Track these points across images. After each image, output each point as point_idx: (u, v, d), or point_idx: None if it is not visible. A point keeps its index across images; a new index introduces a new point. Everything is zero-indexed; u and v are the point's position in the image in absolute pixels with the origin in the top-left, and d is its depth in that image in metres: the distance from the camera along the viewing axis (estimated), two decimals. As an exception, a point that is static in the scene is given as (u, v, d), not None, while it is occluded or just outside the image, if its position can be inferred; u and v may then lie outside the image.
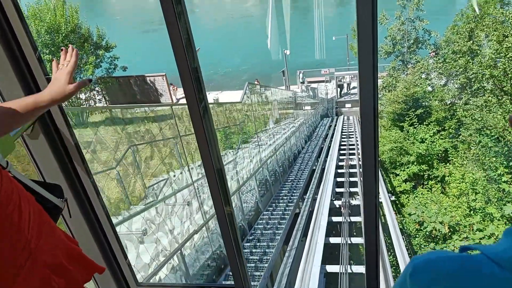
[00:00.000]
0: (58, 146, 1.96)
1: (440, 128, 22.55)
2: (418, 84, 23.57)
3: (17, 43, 1.76)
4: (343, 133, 24.35)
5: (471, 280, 0.62)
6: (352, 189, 14.49)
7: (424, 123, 22.03)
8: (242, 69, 40.53)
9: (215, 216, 2.02)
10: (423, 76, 25.36)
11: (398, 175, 21.74)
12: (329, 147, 20.64)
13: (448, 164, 21.26)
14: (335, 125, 27.24)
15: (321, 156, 19.02)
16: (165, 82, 30.29)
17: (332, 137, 22.94)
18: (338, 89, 34.60)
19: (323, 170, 16.86)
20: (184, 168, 8.81)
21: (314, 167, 17.76)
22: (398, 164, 21.93)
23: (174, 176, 8.83)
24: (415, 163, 21.14)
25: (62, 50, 1.50)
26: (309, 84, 35.64)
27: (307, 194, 14.39)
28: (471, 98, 22.01)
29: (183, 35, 1.59)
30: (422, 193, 18.94)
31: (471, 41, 20.74)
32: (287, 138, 17.70)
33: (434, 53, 27.62)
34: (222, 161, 1.93)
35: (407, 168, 21.43)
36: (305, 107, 32.52)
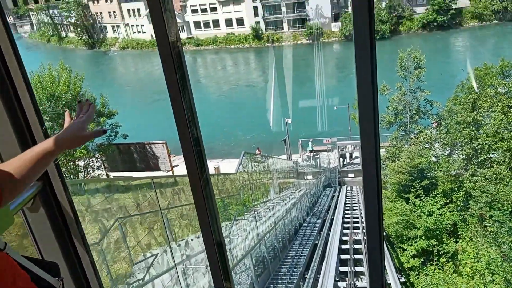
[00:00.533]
0: (58, 220, 1.94)
1: (447, 201, 21.55)
2: (422, 154, 22.91)
3: (24, 117, 1.78)
4: (347, 205, 23.31)
5: None
6: (357, 269, 13.29)
7: (431, 195, 21.07)
8: (244, 137, 40.40)
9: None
10: (427, 146, 24.80)
11: (406, 250, 20.44)
12: (332, 220, 19.57)
13: (458, 238, 20.16)
14: (338, 196, 26.24)
15: (323, 230, 17.90)
16: (165, 149, 29.84)
17: (335, 208, 21.88)
18: (341, 159, 34.01)
19: (325, 245, 15.74)
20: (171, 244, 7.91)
21: (316, 242, 16.62)
22: (405, 238, 20.70)
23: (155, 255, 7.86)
24: (423, 238, 19.92)
25: (79, 102, 1.52)
26: (317, 154, 35.15)
27: (309, 273, 13.19)
28: (477, 170, 21.29)
29: (187, 109, 1.63)
30: (433, 271, 17.58)
31: (475, 112, 20.36)
32: (287, 210, 16.75)
33: (436, 123, 27.31)
34: (222, 234, 1.91)
35: (415, 242, 20.17)
36: (307, 176, 31.80)
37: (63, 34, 79.77)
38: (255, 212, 12.96)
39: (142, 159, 30.70)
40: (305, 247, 15.52)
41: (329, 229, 17.81)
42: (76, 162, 26.15)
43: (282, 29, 67.01)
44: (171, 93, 1.62)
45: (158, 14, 1.71)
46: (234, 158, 32.41)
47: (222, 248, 1.91)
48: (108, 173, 31.15)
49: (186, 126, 1.64)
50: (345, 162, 34.32)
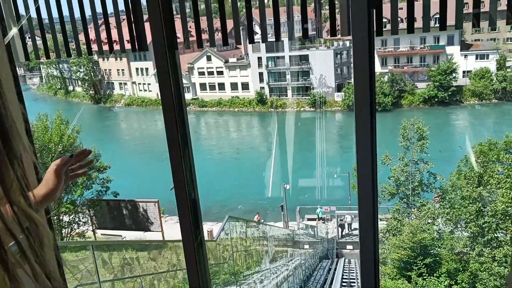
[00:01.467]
0: None
1: (452, 282, 19.92)
2: (426, 229, 21.56)
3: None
4: (344, 280, 21.60)
5: None
6: None
7: (435, 274, 19.48)
8: (242, 201, 39.22)
9: None
10: (429, 221, 23.49)
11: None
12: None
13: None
14: (335, 269, 24.50)
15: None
16: (157, 209, 28.50)
17: (331, 284, 20.18)
18: (339, 229, 32.48)
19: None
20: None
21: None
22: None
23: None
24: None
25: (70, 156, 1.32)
26: (327, 221, 33.68)
27: None
28: (484, 249, 19.88)
29: (186, 170, 1.67)
30: None
31: (482, 187, 19.31)
32: (278, 285, 15.20)
33: (439, 197, 26.14)
34: None
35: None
36: (304, 246, 30.17)
37: (71, 88, 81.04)
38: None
39: (132, 217, 29.28)
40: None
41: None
42: (61, 217, 24.85)
43: (286, 95, 67.80)
44: (171, 152, 1.63)
45: (165, 75, 1.83)
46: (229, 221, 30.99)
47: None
48: (95, 230, 29.71)
49: (184, 188, 1.63)
50: (343, 233, 32.74)
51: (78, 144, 24.26)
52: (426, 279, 19.42)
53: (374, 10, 1.92)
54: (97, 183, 26.02)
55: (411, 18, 2.25)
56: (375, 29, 1.95)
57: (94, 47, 3.34)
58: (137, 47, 2.51)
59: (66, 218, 25.92)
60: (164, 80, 1.79)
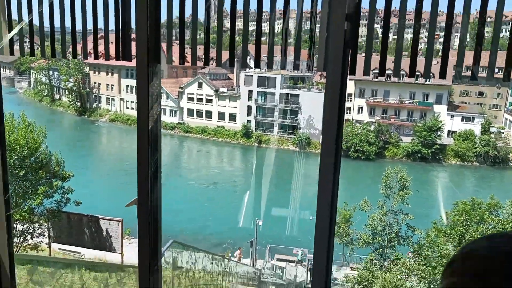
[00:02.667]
0: None
1: None
2: (399, 285, 20.10)
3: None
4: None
5: None
6: None
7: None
8: (213, 232, 37.54)
9: None
10: (403, 277, 22.03)
11: None
12: None
13: None
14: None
15: None
16: (119, 228, 26.58)
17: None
18: (309, 273, 30.74)
19: None
20: None
21: None
22: None
23: None
24: None
25: None
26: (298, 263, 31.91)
27: None
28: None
29: (153, 206, 1.67)
30: None
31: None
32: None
33: (412, 254, 24.79)
34: None
35: None
36: (270, 287, 28.39)
37: (57, 96, 79.21)
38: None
39: (92, 234, 27.26)
40: None
41: None
42: (14, 225, 22.79)
43: (272, 132, 66.98)
44: (140, 168, 1.58)
45: (144, 96, 1.81)
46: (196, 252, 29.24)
47: None
48: (51, 243, 27.59)
49: (147, 211, 1.55)
50: (312, 278, 31.02)
51: (44, 149, 22.53)
52: None
53: (350, 50, 1.98)
54: (59, 192, 24.15)
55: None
56: (349, 68, 1.99)
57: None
58: (121, 56, 2.47)
59: (19, 227, 23.86)
60: (142, 90, 1.76)
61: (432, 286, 21.78)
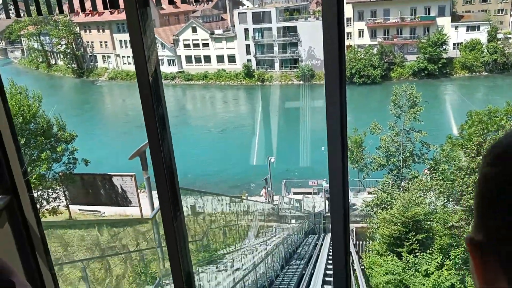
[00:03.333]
0: (23, 238, 1.81)
1: (444, 258, 18.16)
2: (418, 203, 19.70)
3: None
4: (330, 257, 19.79)
5: None
6: None
7: (428, 251, 17.71)
8: (226, 175, 37.45)
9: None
10: (422, 194, 21.63)
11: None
12: (311, 276, 16.03)
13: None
14: (321, 245, 22.69)
15: (299, 290, 14.35)
16: (133, 183, 26.38)
17: (316, 261, 18.33)
18: (327, 202, 30.69)
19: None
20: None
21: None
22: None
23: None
24: (419, 302, 16.42)
25: None
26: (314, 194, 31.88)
27: None
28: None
29: (164, 147, 1.60)
30: None
31: (481, 157, 17.37)
32: (255, 264, 13.27)
33: (428, 171, 24.25)
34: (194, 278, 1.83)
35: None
36: (291, 220, 28.46)
37: (53, 61, 77.26)
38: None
39: (107, 192, 27.15)
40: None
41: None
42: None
43: (274, 68, 65.11)
44: (148, 128, 1.56)
45: (139, 48, 1.73)
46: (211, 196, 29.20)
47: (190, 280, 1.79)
48: (69, 205, 27.68)
49: (162, 163, 1.56)
50: (330, 206, 31.00)
51: (41, 114, 21.75)
52: (418, 256, 17.66)
53: None
54: (66, 155, 23.73)
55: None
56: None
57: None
58: (108, 4, 2.24)
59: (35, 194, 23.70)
60: (136, 36, 1.68)
61: (450, 199, 21.44)
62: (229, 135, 48.15)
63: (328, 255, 20.02)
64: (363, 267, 20.17)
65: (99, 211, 29.93)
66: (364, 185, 29.44)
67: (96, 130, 48.33)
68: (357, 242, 23.65)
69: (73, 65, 72.42)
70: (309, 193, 32.48)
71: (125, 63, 69.71)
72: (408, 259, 17.68)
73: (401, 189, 23.24)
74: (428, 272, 16.69)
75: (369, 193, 28.97)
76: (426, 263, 17.29)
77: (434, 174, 21.81)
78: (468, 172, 17.93)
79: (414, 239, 18.17)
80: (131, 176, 26.45)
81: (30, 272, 1.89)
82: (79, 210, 29.83)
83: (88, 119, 52.50)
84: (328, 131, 1.52)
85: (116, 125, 52.18)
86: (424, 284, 16.12)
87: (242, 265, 14.26)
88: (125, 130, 47.58)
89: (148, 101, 1.66)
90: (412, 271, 17.16)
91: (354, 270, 13.25)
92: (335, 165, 1.55)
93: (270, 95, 59.37)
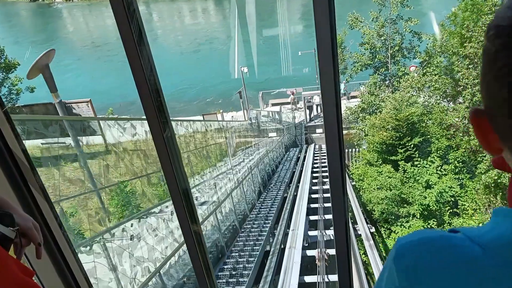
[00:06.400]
0: (11, 170, 1.48)
1: (441, 162, 15.27)
2: (412, 103, 16.34)
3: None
4: (315, 171, 16.79)
5: (452, 261, 0.55)
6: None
7: (429, 158, 14.73)
8: (206, 90, 33.77)
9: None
10: (414, 93, 18.18)
11: (394, 232, 14.32)
12: (294, 199, 13.08)
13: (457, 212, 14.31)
14: (304, 158, 19.64)
15: (280, 222, 11.35)
16: (90, 109, 22.38)
17: (299, 180, 15.29)
18: (307, 111, 27.32)
19: (283, 252, 9.30)
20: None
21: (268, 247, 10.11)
22: (393, 217, 14.51)
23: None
24: (419, 217, 13.74)
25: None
26: (295, 106, 28.38)
27: None
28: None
29: (145, 66, 1.43)
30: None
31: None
32: (228, 192, 10.08)
33: (415, 67, 20.56)
34: (188, 182, 1.69)
35: (407, 223, 14.01)
36: (270, 134, 25.29)
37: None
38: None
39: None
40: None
41: (290, 219, 11.31)
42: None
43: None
44: (126, 46, 1.38)
45: None
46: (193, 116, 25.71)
47: (188, 195, 1.70)
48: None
49: (145, 81, 1.41)
50: (312, 116, 27.65)
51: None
52: (418, 165, 14.69)
53: None
54: (5, 85, 19.45)
55: None
56: None
57: None
58: None
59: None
60: None
61: (447, 95, 18.18)
62: (205, 52, 43.47)
63: (313, 171, 17.02)
64: (353, 182, 17.32)
65: (64, 142, 26.23)
66: (346, 91, 25.82)
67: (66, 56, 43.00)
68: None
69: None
70: (288, 103, 28.97)
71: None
72: (405, 168, 14.72)
73: (391, 89, 19.77)
74: (430, 183, 13.80)
75: (352, 97, 25.49)
76: (425, 171, 14.41)
77: (427, 69, 18.16)
78: (470, 62, 14.40)
79: (410, 145, 15.10)
80: (87, 102, 22.39)
81: (27, 204, 1.56)
82: (41, 144, 26.12)
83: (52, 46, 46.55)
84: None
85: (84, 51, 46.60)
86: (425, 198, 13.29)
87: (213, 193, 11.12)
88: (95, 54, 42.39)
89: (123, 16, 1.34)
90: (411, 182, 14.29)
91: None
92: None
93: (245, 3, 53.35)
